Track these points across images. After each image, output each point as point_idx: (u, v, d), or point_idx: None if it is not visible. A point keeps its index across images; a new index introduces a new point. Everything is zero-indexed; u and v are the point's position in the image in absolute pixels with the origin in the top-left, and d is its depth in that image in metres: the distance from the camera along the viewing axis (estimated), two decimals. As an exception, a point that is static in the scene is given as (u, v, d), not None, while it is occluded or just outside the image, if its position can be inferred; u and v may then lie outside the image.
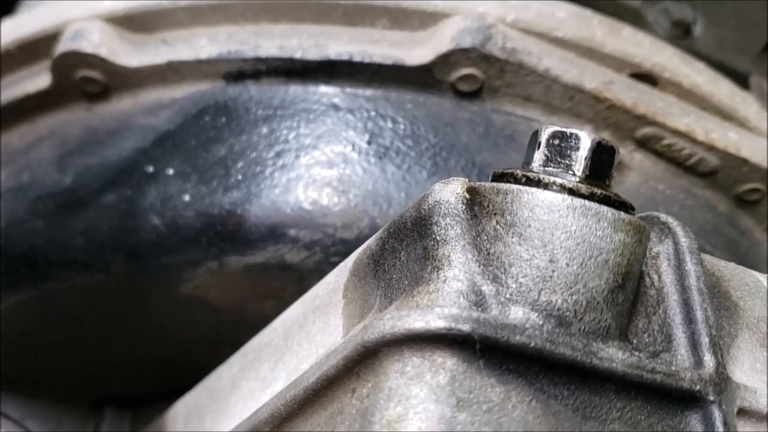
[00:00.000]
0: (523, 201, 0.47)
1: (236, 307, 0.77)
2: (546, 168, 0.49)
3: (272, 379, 0.62)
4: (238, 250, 0.71)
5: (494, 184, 0.48)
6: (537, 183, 0.48)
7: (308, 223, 0.70)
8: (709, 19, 0.93)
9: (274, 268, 0.71)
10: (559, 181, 0.47)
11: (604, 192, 0.48)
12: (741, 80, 0.92)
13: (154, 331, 0.81)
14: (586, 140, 0.49)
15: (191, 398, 0.72)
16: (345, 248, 0.69)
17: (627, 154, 0.77)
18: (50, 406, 0.93)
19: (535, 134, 0.50)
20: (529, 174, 0.49)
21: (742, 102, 0.84)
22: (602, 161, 0.49)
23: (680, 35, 0.91)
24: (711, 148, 0.78)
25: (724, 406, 0.47)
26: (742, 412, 0.48)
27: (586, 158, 0.48)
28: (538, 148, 0.50)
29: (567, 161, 0.49)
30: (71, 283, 0.75)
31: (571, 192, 0.47)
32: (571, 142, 0.49)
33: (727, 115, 0.81)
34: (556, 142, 0.49)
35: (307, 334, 0.60)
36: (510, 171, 0.49)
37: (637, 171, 0.77)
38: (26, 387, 0.92)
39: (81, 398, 0.94)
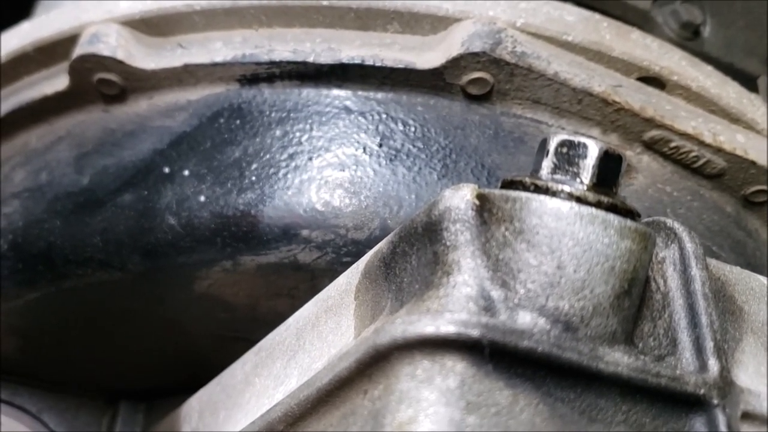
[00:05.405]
0: (531, 208, 0.48)
1: (250, 305, 0.77)
2: (554, 176, 0.50)
3: (285, 377, 0.62)
4: (251, 249, 0.72)
5: (503, 191, 0.49)
6: (545, 191, 0.49)
7: (320, 224, 0.71)
8: (719, 20, 0.93)
9: (287, 268, 0.72)
10: (566, 189, 0.48)
11: (610, 200, 0.49)
12: (750, 82, 0.92)
13: (169, 327, 0.82)
14: (593, 148, 0.50)
15: (205, 393, 0.73)
16: (356, 249, 0.70)
17: (635, 156, 0.77)
18: (66, 400, 0.94)
19: (544, 142, 0.51)
20: (537, 182, 0.50)
21: (750, 104, 0.84)
22: (609, 169, 0.50)
23: (689, 37, 0.91)
24: (718, 150, 0.78)
25: (728, 410, 0.48)
26: (746, 416, 0.49)
27: (593, 166, 0.49)
28: (547, 155, 0.51)
29: (575, 169, 0.50)
30: (88, 280, 0.76)
31: (579, 200, 0.48)
32: (579, 150, 0.50)
33: (734, 118, 0.81)
34: (564, 150, 0.50)
35: (320, 333, 0.61)
36: (519, 178, 0.50)
37: (644, 173, 0.77)
38: (43, 381, 0.93)
39: (97, 392, 0.95)
